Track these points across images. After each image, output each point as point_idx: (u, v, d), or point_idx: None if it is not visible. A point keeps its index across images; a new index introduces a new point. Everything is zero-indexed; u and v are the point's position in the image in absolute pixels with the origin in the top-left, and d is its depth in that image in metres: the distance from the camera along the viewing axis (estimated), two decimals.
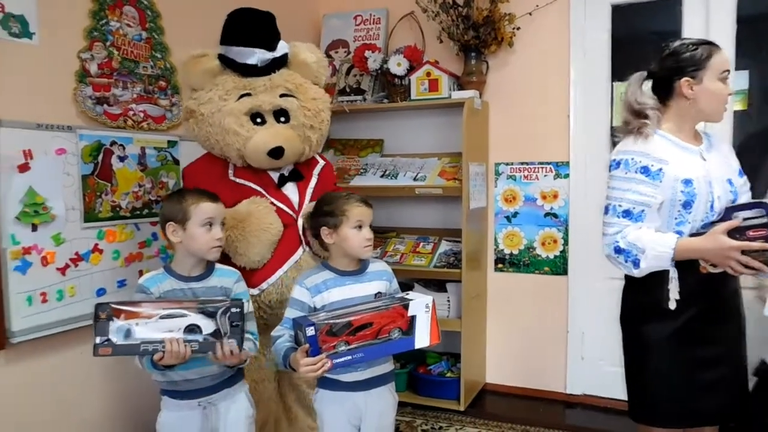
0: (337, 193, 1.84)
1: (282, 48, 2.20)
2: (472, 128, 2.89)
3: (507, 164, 3.12)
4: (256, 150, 2.07)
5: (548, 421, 2.81)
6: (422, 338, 1.62)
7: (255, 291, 2.06)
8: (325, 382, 1.71)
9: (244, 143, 2.06)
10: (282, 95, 2.14)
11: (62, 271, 2.10)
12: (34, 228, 2.01)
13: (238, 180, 2.13)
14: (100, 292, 2.23)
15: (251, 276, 2.06)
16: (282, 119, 2.14)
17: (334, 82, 3.37)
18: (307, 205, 2.15)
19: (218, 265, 1.81)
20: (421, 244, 3.16)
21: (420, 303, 1.62)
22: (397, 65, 3.02)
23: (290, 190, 2.19)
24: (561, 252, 3.03)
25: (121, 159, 2.31)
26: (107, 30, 2.26)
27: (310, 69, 2.25)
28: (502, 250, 3.14)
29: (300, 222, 2.12)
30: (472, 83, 3.00)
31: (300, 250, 2.12)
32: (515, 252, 3.12)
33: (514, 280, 3.13)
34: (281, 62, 2.20)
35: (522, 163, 3.08)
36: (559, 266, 3.04)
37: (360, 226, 1.72)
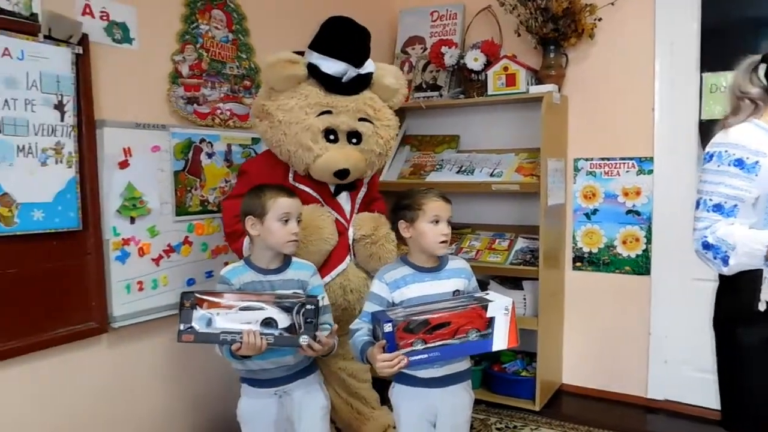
0: (418, 188, 1.85)
1: (368, 67, 2.19)
2: (550, 123, 2.83)
3: (586, 160, 3.03)
4: (324, 168, 2.09)
5: (627, 426, 2.72)
6: (500, 341, 1.61)
7: None
8: (401, 377, 1.73)
9: (313, 159, 2.07)
10: (360, 119, 2.15)
11: (156, 261, 2.24)
12: (132, 221, 2.15)
13: (297, 185, 2.13)
14: (190, 282, 2.36)
15: None
16: (354, 140, 2.15)
17: (410, 79, 3.40)
18: (360, 217, 2.22)
19: (295, 259, 1.87)
20: (497, 240, 3.13)
21: (499, 305, 1.61)
22: (474, 60, 3.00)
23: (344, 199, 2.23)
24: (643, 251, 2.92)
25: (209, 155, 2.43)
26: (197, 33, 2.38)
27: (390, 94, 2.25)
28: (581, 248, 3.07)
29: (350, 232, 2.17)
30: (551, 77, 2.93)
31: (347, 260, 2.16)
32: (594, 250, 3.03)
33: (593, 279, 3.05)
34: (365, 81, 2.18)
35: (602, 159, 2.99)
36: (641, 266, 2.93)
37: (437, 221, 1.73)
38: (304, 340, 1.64)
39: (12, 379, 1.84)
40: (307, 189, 2.15)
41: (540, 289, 2.82)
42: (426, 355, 1.56)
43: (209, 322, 1.62)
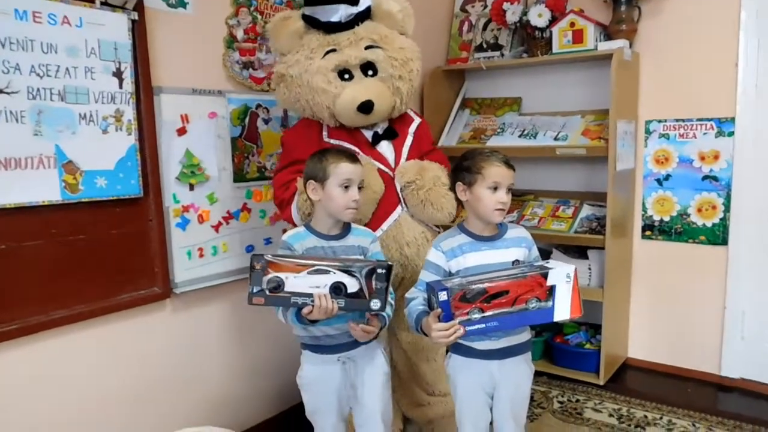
0: (482, 149, 1.76)
1: (365, 1, 2.11)
2: (620, 82, 2.65)
3: (659, 122, 2.83)
4: (346, 106, 2.01)
5: (698, 405, 2.58)
6: (562, 310, 1.53)
7: None
8: (458, 348, 1.68)
9: (333, 100, 2.01)
10: (367, 47, 2.06)
11: (216, 228, 2.26)
12: (192, 188, 2.17)
13: (332, 141, 2.10)
14: (249, 248, 2.37)
15: None
16: (370, 72, 2.07)
17: (470, 38, 3.26)
18: (403, 164, 2.11)
19: (354, 225, 1.83)
20: (561, 207, 3.00)
21: (560, 272, 1.52)
22: (538, 16, 2.83)
23: (385, 148, 2.14)
24: (721, 220, 2.72)
25: (266, 121, 2.41)
26: None
27: (395, 19, 2.14)
28: (651, 216, 2.89)
29: (397, 180, 2.08)
30: (622, 32, 2.73)
31: (399, 209, 2.07)
32: (666, 219, 2.86)
33: (664, 249, 2.88)
34: (365, 16, 2.10)
35: (677, 120, 2.79)
36: (717, 236, 2.74)
37: (496, 188, 1.64)
38: (375, 304, 1.60)
39: (80, 343, 1.90)
40: (342, 143, 2.09)
41: (606, 259, 2.68)
42: (483, 325, 1.50)
43: (279, 285, 1.59)
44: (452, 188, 1.77)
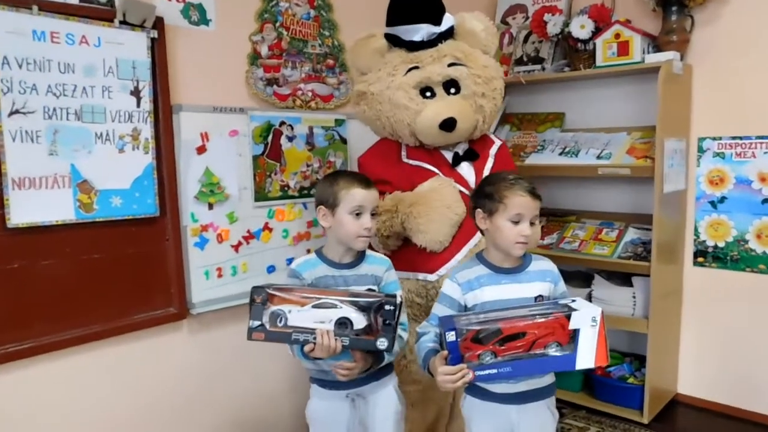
0: (506, 174, 1.63)
1: (448, 21, 2.09)
2: (669, 97, 2.45)
3: (714, 139, 2.61)
4: (428, 123, 1.98)
5: None
6: (586, 358, 1.37)
7: (432, 277, 2.00)
8: (473, 389, 1.55)
9: (414, 117, 1.99)
10: (450, 64, 2.03)
11: (236, 248, 2.21)
12: (211, 206, 2.13)
13: (411, 162, 2.08)
14: (270, 269, 2.32)
15: (428, 261, 2.00)
16: (452, 90, 2.04)
17: (510, 52, 3.12)
18: None
19: (369, 252, 1.73)
20: (605, 230, 2.80)
21: (585, 314, 1.37)
22: (581, 27, 2.67)
23: (466, 170, 2.09)
24: None
25: (290, 139, 2.35)
26: (277, 11, 2.29)
27: (478, 38, 2.12)
28: (704, 241, 2.66)
29: None
30: (672, 43, 2.53)
31: (478, 235, 1.96)
32: (721, 244, 2.62)
33: (719, 277, 2.64)
34: (448, 35, 2.10)
35: (734, 138, 2.56)
36: None
37: (518, 221, 1.49)
38: (382, 343, 1.48)
39: (94, 362, 1.88)
40: (422, 164, 2.07)
41: (652, 287, 2.47)
42: (495, 370, 1.36)
43: (281, 320, 1.51)
44: (471, 215, 1.65)
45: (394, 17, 2.08)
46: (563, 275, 2.86)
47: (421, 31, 2.05)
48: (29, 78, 1.70)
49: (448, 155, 2.10)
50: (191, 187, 2.07)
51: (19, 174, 1.70)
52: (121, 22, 1.85)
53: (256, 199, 2.26)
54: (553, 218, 3.03)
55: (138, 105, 1.92)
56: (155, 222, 1.99)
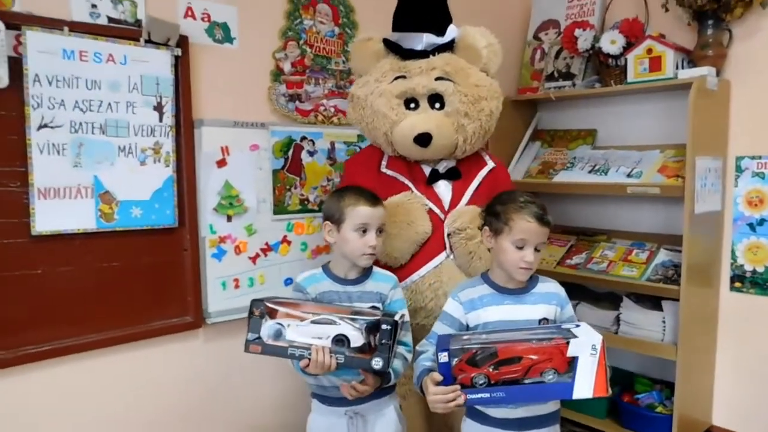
0: (518, 194, 1.57)
1: (451, 33, 2.04)
2: (703, 114, 2.35)
3: (753, 158, 2.48)
4: (403, 135, 1.93)
5: None
6: (584, 387, 1.32)
7: None
8: (472, 413, 1.52)
9: (391, 127, 1.95)
10: (438, 78, 1.97)
11: (253, 260, 2.25)
12: (229, 219, 2.18)
13: (388, 172, 2.03)
14: (288, 281, 2.34)
15: None
16: (437, 105, 1.98)
17: (542, 68, 3.08)
18: (459, 208, 1.96)
19: (376, 269, 1.73)
20: (635, 251, 2.70)
21: (585, 342, 1.32)
22: (611, 43, 2.60)
23: (443, 188, 2.02)
24: None
25: (311, 153, 2.39)
26: (301, 29, 2.34)
27: (478, 54, 2.03)
28: (742, 265, 2.53)
29: (447, 224, 1.94)
30: (708, 58, 2.43)
31: (442, 255, 1.93)
32: (760, 269, 2.48)
33: (758, 303, 2.50)
34: (447, 47, 2.04)
35: None
36: None
37: (522, 246, 1.46)
38: (377, 363, 1.48)
39: (110, 367, 1.95)
40: (397, 176, 2.02)
41: (681, 312, 2.36)
42: (487, 395, 1.33)
43: (278, 334, 1.53)
44: (481, 228, 1.62)
45: (399, 23, 2.08)
46: (592, 297, 2.82)
47: (422, 40, 2.01)
48: (58, 94, 1.80)
49: (427, 170, 2.04)
50: (210, 199, 2.13)
51: (45, 184, 1.78)
52: (146, 41, 1.93)
53: (275, 212, 2.29)
54: (583, 237, 2.95)
55: (160, 120, 1.99)
56: (174, 232, 2.05)
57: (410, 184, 2.00)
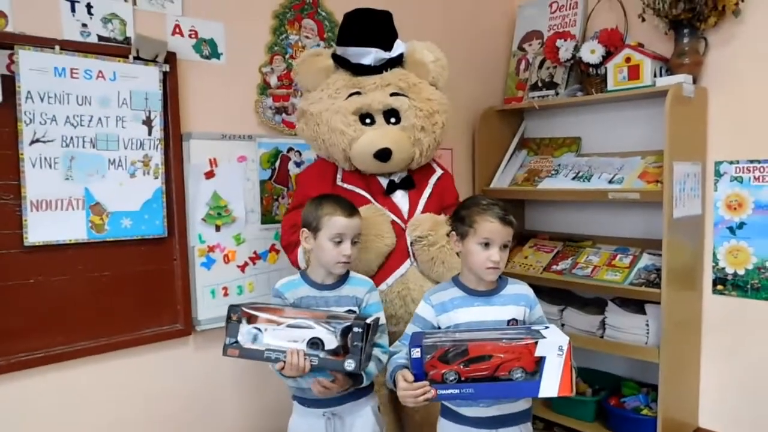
0: (481, 198, 1.63)
1: (398, 48, 2.09)
2: (680, 120, 2.41)
3: (731, 163, 2.53)
4: (362, 151, 1.97)
5: None
6: (550, 386, 1.36)
7: None
8: (446, 412, 1.57)
9: (349, 143, 1.98)
10: (393, 94, 2.02)
11: (242, 268, 2.31)
12: (218, 228, 2.24)
13: (345, 185, 2.06)
14: None
15: None
16: (392, 120, 2.03)
17: (526, 77, 3.14)
18: (417, 216, 2.02)
19: (353, 274, 1.79)
20: (619, 256, 2.75)
21: (552, 343, 1.37)
22: (591, 52, 2.67)
23: (400, 198, 2.07)
24: None
25: (298, 164, 2.45)
26: (286, 44, 2.42)
27: (427, 69, 2.10)
28: (723, 268, 2.57)
29: (408, 233, 1.99)
30: (685, 66, 2.49)
31: (407, 263, 1.99)
32: (741, 272, 2.52)
33: (740, 306, 2.54)
34: (396, 62, 2.09)
35: (752, 162, 2.47)
36: None
37: (487, 244, 1.52)
38: (349, 365, 1.52)
39: (102, 373, 2.01)
40: (356, 189, 2.05)
41: (663, 315, 2.40)
42: (457, 390, 1.38)
43: (255, 338, 1.58)
44: (448, 234, 1.68)
45: (345, 38, 2.09)
46: (579, 302, 2.86)
47: (370, 56, 2.05)
48: (50, 110, 1.87)
49: (384, 182, 2.08)
50: (199, 209, 2.19)
51: (37, 197, 1.86)
52: (135, 58, 2.01)
53: (263, 222, 2.35)
54: (569, 243, 3.00)
55: (149, 133, 2.06)
56: (163, 242, 2.12)
57: (369, 197, 2.04)
